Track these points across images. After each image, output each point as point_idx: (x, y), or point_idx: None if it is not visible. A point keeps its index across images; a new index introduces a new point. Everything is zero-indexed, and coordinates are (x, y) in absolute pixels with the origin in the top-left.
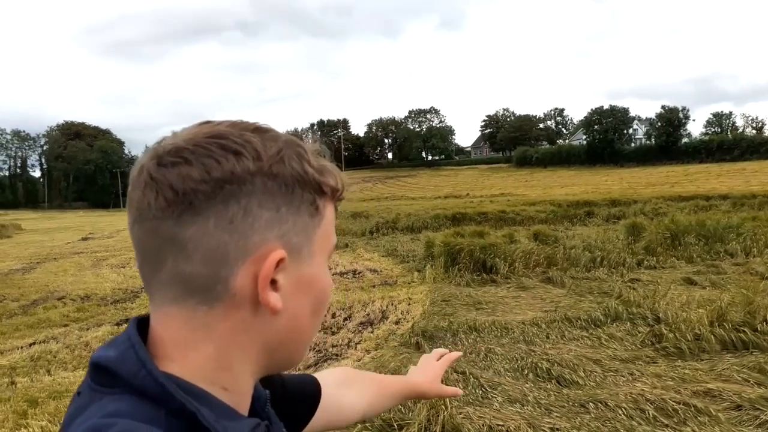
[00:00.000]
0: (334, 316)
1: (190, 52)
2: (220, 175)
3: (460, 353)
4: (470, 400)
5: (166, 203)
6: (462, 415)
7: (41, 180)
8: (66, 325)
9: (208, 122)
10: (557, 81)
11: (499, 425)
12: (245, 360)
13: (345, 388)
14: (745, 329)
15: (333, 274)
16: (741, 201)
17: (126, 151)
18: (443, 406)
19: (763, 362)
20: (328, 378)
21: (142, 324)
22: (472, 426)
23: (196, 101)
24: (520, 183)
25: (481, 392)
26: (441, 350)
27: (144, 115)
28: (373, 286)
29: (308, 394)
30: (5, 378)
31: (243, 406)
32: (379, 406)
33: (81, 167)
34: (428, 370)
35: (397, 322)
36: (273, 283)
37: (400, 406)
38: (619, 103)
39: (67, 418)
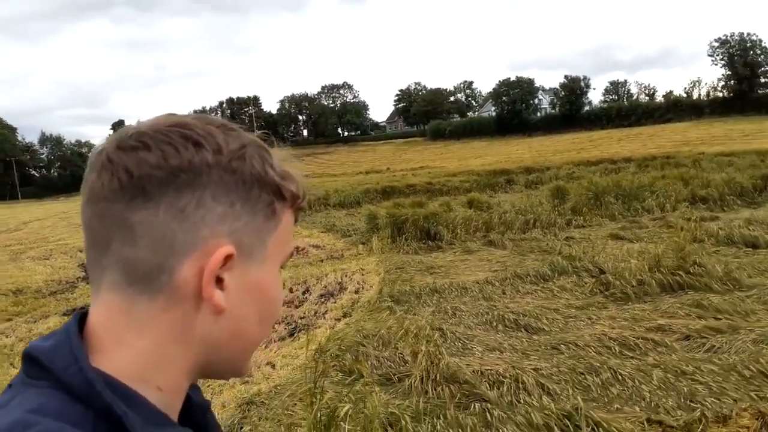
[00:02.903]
0: (291, 290)
1: (79, 30)
2: (177, 163)
3: None
4: (453, 352)
5: (119, 186)
6: (451, 365)
7: None
8: (9, 320)
9: (173, 114)
10: (465, 54)
11: (488, 369)
12: (182, 358)
13: None
14: (680, 273)
15: None
16: (644, 163)
17: (20, 138)
18: (440, 355)
19: (699, 299)
20: None
21: (85, 318)
22: (466, 372)
23: (90, 82)
24: (436, 156)
25: (460, 344)
26: None
27: (35, 98)
28: (321, 261)
29: None
30: None
31: (175, 406)
32: None
33: None
34: None
35: (356, 291)
36: (219, 281)
37: (398, 360)
38: (523, 75)
39: None
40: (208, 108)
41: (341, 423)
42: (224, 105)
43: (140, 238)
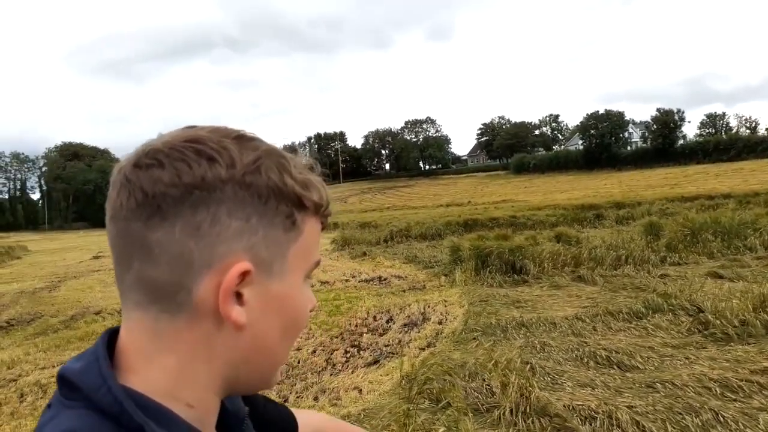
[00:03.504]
0: (375, 318)
1: (180, 71)
2: (190, 180)
3: None
4: (543, 387)
5: (136, 205)
6: (542, 398)
7: (41, 201)
8: None
9: (192, 127)
10: (550, 87)
11: (579, 405)
12: (208, 375)
13: None
14: None
15: (358, 281)
16: (745, 199)
17: None
18: (530, 388)
19: None
20: (304, 422)
21: (115, 335)
22: (557, 406)
23: (190, 118)
24: (519, 189)
25: (549, 379)
26: None
27: (140, 134)
28: (403, 291)
29: (286, 428)
30: None
31: (208, 423)
32: None
33: (80, 187)
34: None
35: (440, 323)
36: (239, 296)
37: (486, 391)
38: (613, 107)
39: (36, 430)
40: (297, 143)
41: None
42: (312, 140)
43: (158, 256)
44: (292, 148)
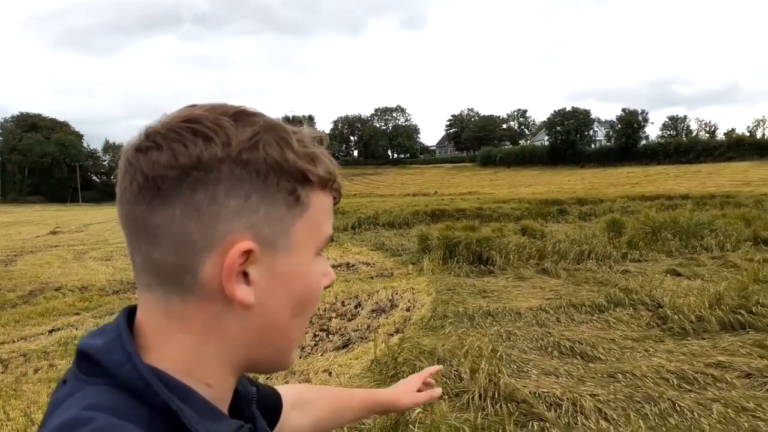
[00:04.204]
0: (344, 303)
1: (147, 45)
2: (186, 161)
3: (440, 367)
4: (509, 374)
5: (138, 189)
6: (509, 384)
7: None
8: (77, 314)
9: (193, 106)
10: (519, 82)
11: (544, 392)
12: (222, 355)
13: (296, 410)
14: (741, 311)
15: None
16: (702, 201)
17: (85, 144)
18: (499, 374)
19: (761, 339)
20: (286, 398)
21: (133, 313)
22: (524, 392)
23: (155, 94)
24: (485, 182)
25: (516, 367)
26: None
27: (102, 108)
28: (371, 278)
29: (273, 408)
30: (43, 361)
31: (225, 403)
32: (333, 422)
33: (37, 160)
34: (403, 385)
35: (408, 309)
36: (246, 276)
37: (454, 376)
38: (579, 105)
39: (50, 405)
40: None
41: (411, 426)
42: None
43: (162, 239)
44: (297, 121)
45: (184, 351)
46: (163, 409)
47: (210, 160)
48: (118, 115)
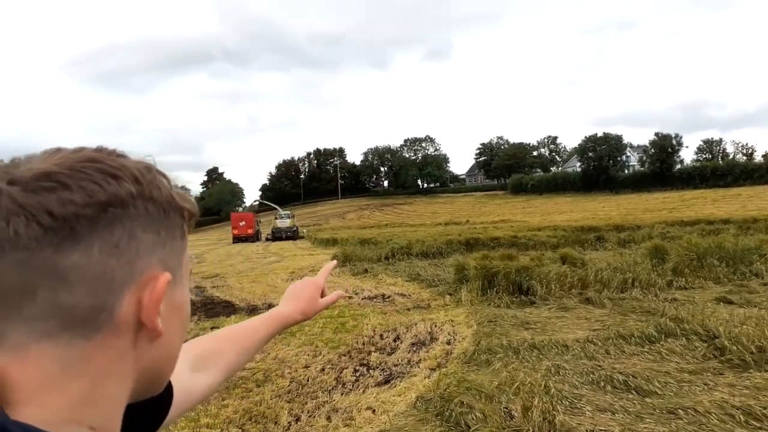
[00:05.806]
0: (382, 337)
1: (179, 83)
2: (104, 199)
3: (335, 262)
4: (561, 410)
5: (43, 231)
6: (564, 423)
7: None
8: None
9: (59, 149)
10: (548, 109)
11: (601, 430)
12: (120, 391)
13: (198, 372)
14: None
15: (361, 299)
16: (745, 225)
17: None
18: (554, 412)
19: None
20: (181, 364)
21: None
22: (579, 431)
23: (188, 131)
24: (517, 210)
25: (568, 403)
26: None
27: (138, 144)
28: (408, 309)
29: (160, 398)
30: None
31: None
32: (242, 362)
33: None
34: (303, 294)
35: (448, 343)
36: None
37: (504, 414)
38: (610, 130)
39: None
40: (296, 158)
41: None
42: (311, 155)
43: (75, 282)
44: (291, 163)
45: (75, 395)
46: None
47: (126, 197)
48: (153, 150)
